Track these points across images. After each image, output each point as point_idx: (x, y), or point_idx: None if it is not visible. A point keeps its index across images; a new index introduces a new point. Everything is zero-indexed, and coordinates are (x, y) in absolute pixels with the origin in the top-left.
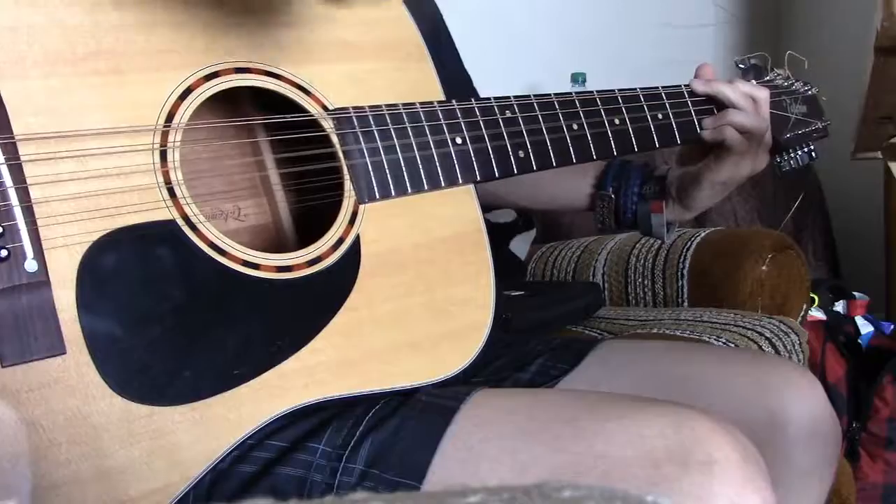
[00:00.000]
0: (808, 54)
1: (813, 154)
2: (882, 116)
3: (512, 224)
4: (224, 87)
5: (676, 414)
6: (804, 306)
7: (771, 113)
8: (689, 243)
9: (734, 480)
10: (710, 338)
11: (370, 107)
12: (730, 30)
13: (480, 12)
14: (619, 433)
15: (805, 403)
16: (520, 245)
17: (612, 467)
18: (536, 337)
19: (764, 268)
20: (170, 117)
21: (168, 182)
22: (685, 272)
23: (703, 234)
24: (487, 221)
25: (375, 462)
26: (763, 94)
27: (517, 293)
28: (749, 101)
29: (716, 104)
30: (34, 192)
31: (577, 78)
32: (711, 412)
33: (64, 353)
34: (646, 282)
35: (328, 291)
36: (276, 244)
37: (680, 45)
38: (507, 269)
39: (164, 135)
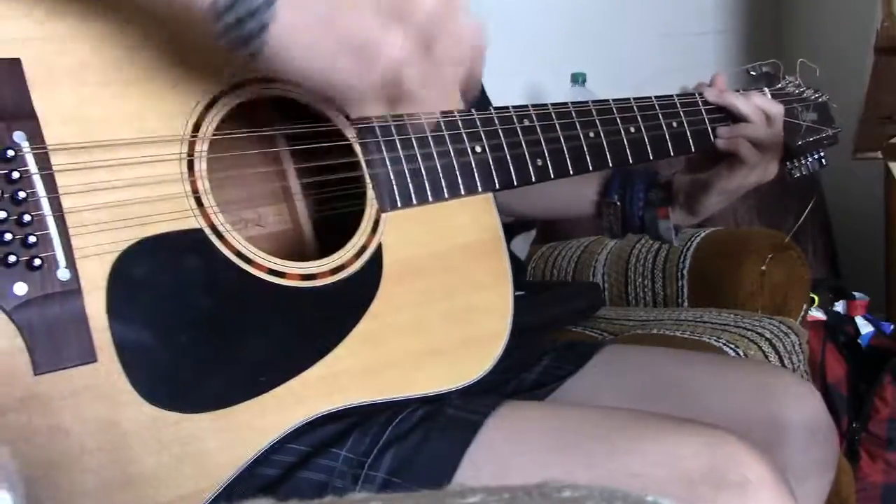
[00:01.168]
0: (807, 55)
1: (823, 161)
2: (882, 116)
3: (512, 224)
4: (251, 97)
5: (710, 435)
6: (804, 306)
7: (783, 121)
8: (689, 243)
9: (767, 501)
10: (710, 338)
11: (392, 116)
12: (731, 29)
13: (480, 12)
14: (654, 452)
15: (804, 409)
16: (520, 245)
17: (647, 486)
18: (541, 338)
19: (764, 268)
20: (196, 127)
21: (195, 191)
22: (685, 272)
23: (703, 234)
24: None
25: (398, 472)
26: (777, 110)
27: (517, 293)
28: (761, 115)
29: (729, 114)
30: (66, 202)
31: (578, 78)
32: (743, 434)
33: (95, 360)
34: (646, 282)
35: (351, 299)
36: (297, 252)
37: (681, 44)
38: None
39: (192, 144)
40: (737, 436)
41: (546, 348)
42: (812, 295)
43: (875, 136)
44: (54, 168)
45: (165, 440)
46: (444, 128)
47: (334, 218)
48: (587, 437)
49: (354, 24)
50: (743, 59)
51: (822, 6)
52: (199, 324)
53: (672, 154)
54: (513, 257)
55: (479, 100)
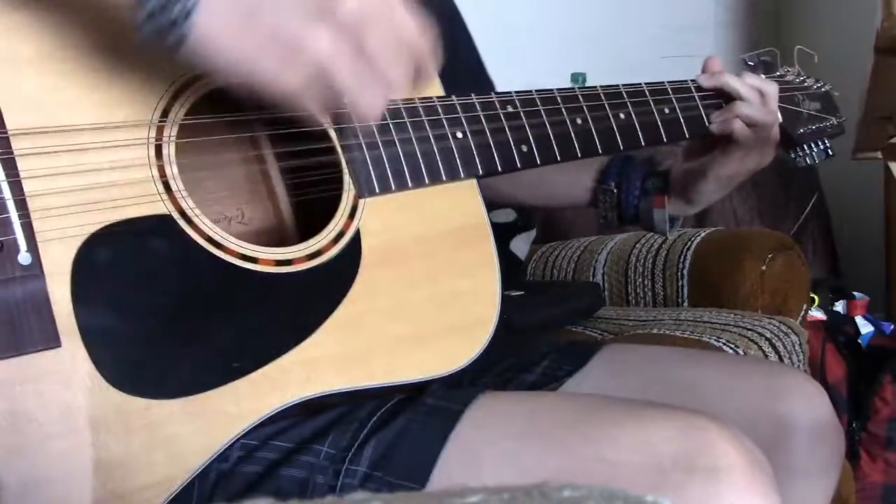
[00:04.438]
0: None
1: (830, 151)
2: (882, 116)
3: (512, 224)
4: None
5: (684, 420)
6: (804, 306)
7: (782, 108)
8: (689, 243)
9: (740, 487)
10: (710, 338)
11: None
12: (730, 29)
13: (480, 12)
14: (626, 439)
15: (811, 409)
16: (520, 245)
17: (618, 472)
18: (541, 338)
19: (764, 268)
20: (165, 113)
21: (163, 176)
22: (685, 272)
23: (703, 234)
24: None
25: (378, 465)
26: (772, 89)
27: (517, 293)
28: (756, 93)
29: (723, 98)
30: (27, 186)
31: (577, 78)
32: (720, 419)
33: (59, 345)
34: (646, 282)
35: (329, 285)
36: (278, 241)
37: (681, 44)
38: (507, 269)
39: (160, 129)
40: (713, 420)
41: (546, 349)
42: (812, 295)
43: (875, 136)
44: (15, 152)
45: (134, 426)
46: (422, 113)
47: (316, 206)
48: (558, 425)
49: (278, 19)
50: None
51: (821, 6)
52: (167, 310)
53: (665, 140)
54: (513, 257)
55: (478, 79)
